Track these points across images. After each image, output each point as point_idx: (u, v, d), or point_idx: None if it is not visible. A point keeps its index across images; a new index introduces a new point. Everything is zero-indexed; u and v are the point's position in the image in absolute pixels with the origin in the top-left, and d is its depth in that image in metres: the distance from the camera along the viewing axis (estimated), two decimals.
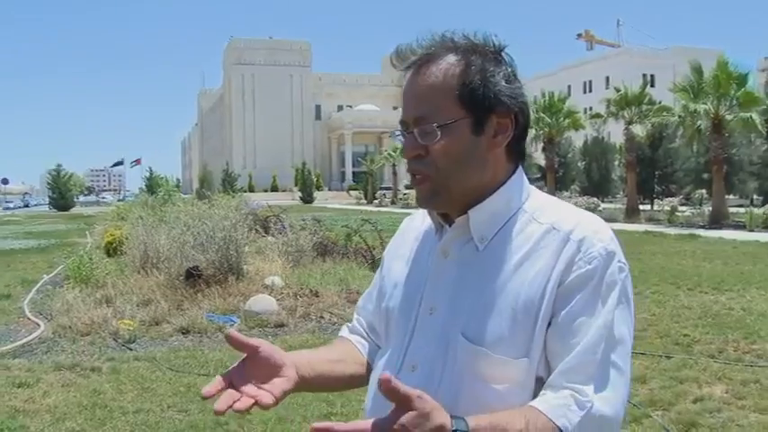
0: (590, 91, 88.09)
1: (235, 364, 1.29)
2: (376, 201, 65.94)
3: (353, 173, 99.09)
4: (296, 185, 79.41)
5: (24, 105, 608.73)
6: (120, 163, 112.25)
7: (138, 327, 8.23)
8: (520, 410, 1.21)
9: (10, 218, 51.24)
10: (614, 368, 1.25)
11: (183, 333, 8.15)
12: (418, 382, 1.27)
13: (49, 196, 70.76)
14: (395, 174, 68.58)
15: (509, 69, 1.33)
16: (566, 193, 44.03)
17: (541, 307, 1.25)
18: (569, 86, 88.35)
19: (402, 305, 1.43)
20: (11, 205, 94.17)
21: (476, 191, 1.33)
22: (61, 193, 66.13)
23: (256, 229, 14.69)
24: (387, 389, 1.07)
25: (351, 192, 78.30)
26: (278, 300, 9.39)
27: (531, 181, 1.42)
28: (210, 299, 9.42)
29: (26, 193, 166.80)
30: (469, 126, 1.29)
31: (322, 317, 8.89)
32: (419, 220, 1.54)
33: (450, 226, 1.37)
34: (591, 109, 41.79)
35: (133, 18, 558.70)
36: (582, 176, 48.65)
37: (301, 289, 10.16)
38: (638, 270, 12.57)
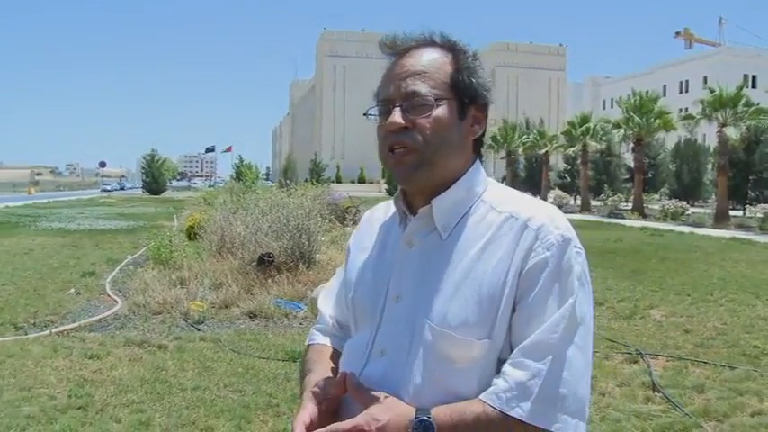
0: (686, 91, 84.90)
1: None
2: None
3: None
4: (383, 178, 79.61)
5: (124, 93, 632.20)
6: (211, 149, 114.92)
7: (207, 309, 8.51)
8: (478, 401, 1.29)
9: (105, 200, 53.40)
10: (575, 347, 1.31)
11: (250, 317, 8.39)
12: (387, 365, 1.38)
13: (143, 180, 73.35)
14: None
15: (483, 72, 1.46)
16: (655, 196, 42.85)
17: (504, 291, 1.32)
18: (665, 86, 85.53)
19: (369, 295, 1.49)
20: (107, 188, 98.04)
21: (446, 176, 1.41)
22: (154, 178, 68.37)
23: (330, 219, 14.87)
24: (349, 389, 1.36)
25: None
26: None
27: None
28: (280, 285, 9.64)
29: (122, 176, 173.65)
30: (456, 108, 1.39)
31: None
32: (381, 212, 1.62)
33: (414, 216, 1.44)
34: (686, 110, 40.43)
35: (229, 8, 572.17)
36: (672, 179, 47.20)
37: None
38: (717, 277, 12.19)
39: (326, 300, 1.73)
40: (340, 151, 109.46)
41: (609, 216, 33.12)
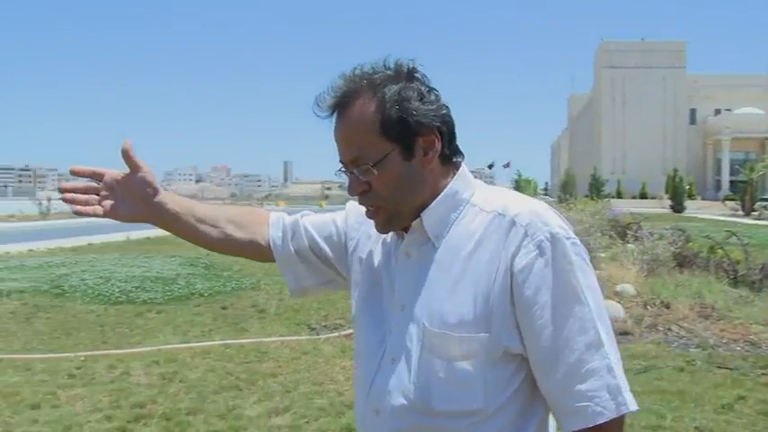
0: None
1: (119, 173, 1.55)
2: (755, 213, 58.83)
3: (731, 182, 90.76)
4: (666, 193, 75.35)
5: None
6: (491, 165, 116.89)
7: None
8: None
9: None
10: (605, 332, 1.35)
11: None
12: (398, 372, 1.44)
13: None
14: None
15: (423, 87, 1.41)
16: None
17: (495, 287, 1.34)
18: None
19: (381, 298, 1.53)
20: None
21: (426, 199, 1.44)
22: None
23: (611, 236, 14.43)
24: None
25: (726, 202, 71.79)
26: (626, 308, 9.18)
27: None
28: None
29: None
30: (399, 155, 1.39)
31: (669, 329, 8.44)
32: None
33: (406, 232, 1.49)
34: None
35: (505, 21, 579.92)
36: None
37: (652, 299, 9.79)
38: None
39: (313, 218, 1.79)
40: (620, 166, 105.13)
41: None
